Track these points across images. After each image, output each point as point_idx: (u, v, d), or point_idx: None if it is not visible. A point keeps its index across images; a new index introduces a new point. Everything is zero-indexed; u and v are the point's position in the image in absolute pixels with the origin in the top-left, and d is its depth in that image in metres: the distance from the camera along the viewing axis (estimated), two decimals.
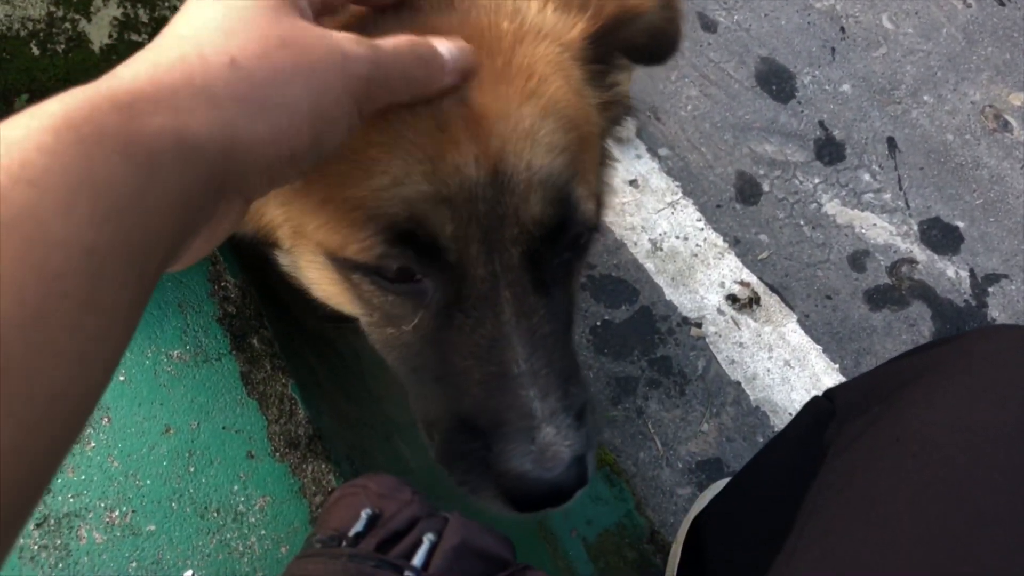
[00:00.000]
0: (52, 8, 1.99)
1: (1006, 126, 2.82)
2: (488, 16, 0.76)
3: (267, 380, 0.87)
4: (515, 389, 0.73)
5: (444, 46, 0.66)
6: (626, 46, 0.89)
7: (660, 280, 2.45)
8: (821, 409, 1.09)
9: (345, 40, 0.59)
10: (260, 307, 0.90)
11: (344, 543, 0.83)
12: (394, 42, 0.62)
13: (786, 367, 2.35)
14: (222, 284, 0.88)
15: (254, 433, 0.83)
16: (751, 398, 2.30)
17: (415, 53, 0.63)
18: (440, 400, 0.78)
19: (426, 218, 0.71)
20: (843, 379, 2.35)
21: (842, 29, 3.00)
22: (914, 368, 0.97)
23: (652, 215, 2.55)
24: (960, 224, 2.62)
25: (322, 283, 0.81)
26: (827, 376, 2.33)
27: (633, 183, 2.58)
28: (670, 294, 2.43)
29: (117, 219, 0.46)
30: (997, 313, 2.47)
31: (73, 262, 0.44)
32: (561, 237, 0.77)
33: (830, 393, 1.13)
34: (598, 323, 2.35)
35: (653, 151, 2.67)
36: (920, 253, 2.56)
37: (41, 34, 2.02)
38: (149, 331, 0.84)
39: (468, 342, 0.75)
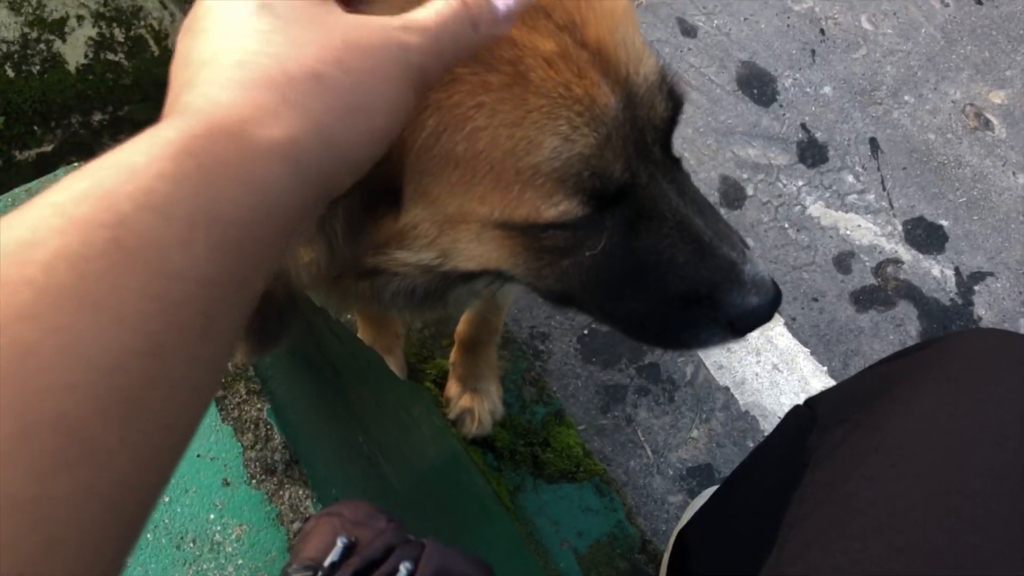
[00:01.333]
0: (26, 30, 1.99)
1: (987, 124, 2.83)
2: None
3: (241, 405, 0.86)
4: (715, 253, 0.85)
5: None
6: None
7: None
8: (802, 418, 1.08)
9: (396, 31, 0.59)
10: None
11: (319, 573, 0.82)
12: (438, 11, 0.61)
13: (774, 371, 2.35)
14: None
15: (229, 460, 0.82)
16: (740, 403, 2.29)
17: (466, 17, 0.62)
18: (644, 295, 0.88)
19: (604, 166, 0.78)
20: (831, 382, 2.35)
21: (822, 31, 3.01)
22: (893, 374, 0.97)
23: None
24: (944, 223, 2.63)
25: (489, 251, 0.85)
26: (815, 379, 2.33)
27: None
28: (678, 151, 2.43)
29: (234, 250, 0.46)
30: (983, 311, 2.47)
31: (190, 294, 0.44)
32: (675, 117, 0.87)
33: (811, 401, 1.13)
34: (585, 331, 2.35)
35: None
36: (905, 253, 2.56)
37: (16, 56, 2.01)
38: None
39: (659, 238, 0.84)
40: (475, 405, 1.91)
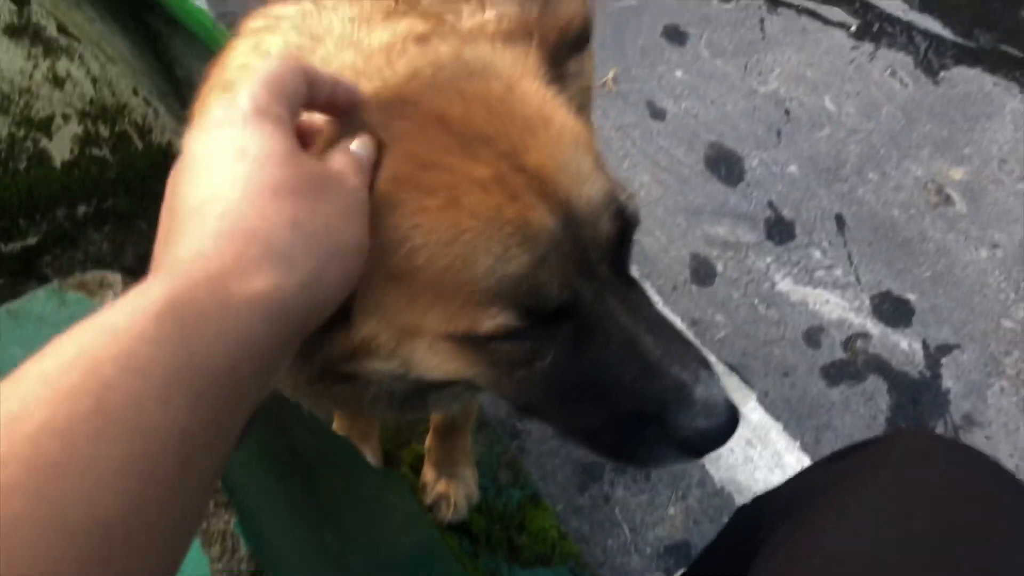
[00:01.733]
0: (13, 129, 2.05)
1: (948, 200, 2.92)
2: (478, 84, 0.86)
3: (209, 518, 0.89)
4: (662, 373, 0.85)
5: (357, 146, 0.75)
6: (567, 52, 1.01)
7: None
8: (748, 518, 1.12)
9: (344, 174, 0.67)
10: None
11: None
12: (340, 161, 0.71)
13: (748, 446, 2.38)
14: None
15: (197, 572, 0.85)
16: (716, 479, 2.32)
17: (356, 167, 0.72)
18: (596, 409, 0.90)
19: (539, 285, 0.81)
20: (804, 456, 2.38)
21: (786, 112, 3.12)
22: (829, 477, 1.02)
23: None
24: (910, 297, 2.70)
25: (444, 363, 0.88)
26: (788, 454, 2.37)
27: None
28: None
29: (211, 399, 0.51)
30: (951, 383, 2.52)
31: (169, 447, 0.48)
32: (627, 238, 0.90)
33: (759, 500, 1.17)
34: None
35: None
36: (873, 327, 2.62)
37: (2, 154, 2.07)
38: None
39: (605, 355, 0.86)
40: (451, 490, 1.94)
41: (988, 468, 0.91)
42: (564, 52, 1.00)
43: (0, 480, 0.42)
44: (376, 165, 0.77)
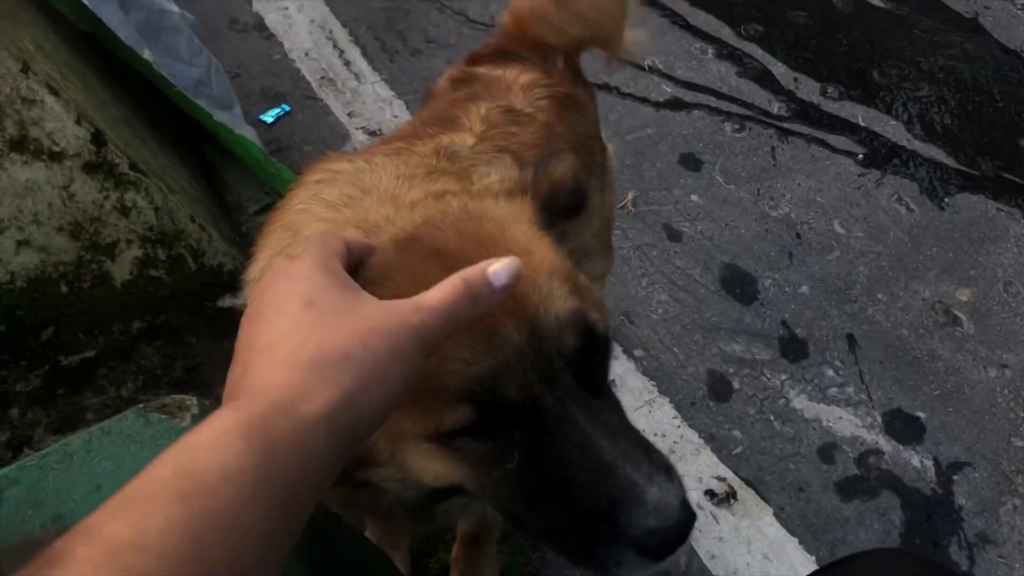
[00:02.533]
0: (82, 253, 2.25)
1: (955, 320, 3.04)
2: (474, 225, 1.02)
3: None
4: (615, 472, 0.90)
5: (492, 269, 0.83)
6: (559, 207, 1.17)
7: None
8: None
9: (408, 314, 0.78)
10: None
11: None
12: (444, 293, 0.80)
13: (765, 560, 2.44)
14: None
15: None
16: None
17: (466, 295, 0.81)
18: (558, 510, 0.95)
19: (496, 384, 0.91)
20: None
21: (797, 235, 3.29)
22: None
23: (630, 413, 2.70)
24: (921, 414, 2.79)
25: (429, 465, 0.98)
26: (804, 568, 2.42)
27: (611, 383, 2.77)
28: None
29: (284, 504, 0.64)
30: (964, 500, 2.59)
31: (254, 544, 0.61)
32: (593, 352, 0.99)
33: None
34: None
35: (628, 352, 2.87)
36: (885, 444, 2.71)
37: (70, 274, 2.27)
38: None
39: (563, 455, 0.93)
40: None
41: None
42: (556, 204, 1.17)
43: (135, 569, 0.56)
44: None
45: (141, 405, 1.09)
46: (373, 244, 0.98)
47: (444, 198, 1.12)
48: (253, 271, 1.27)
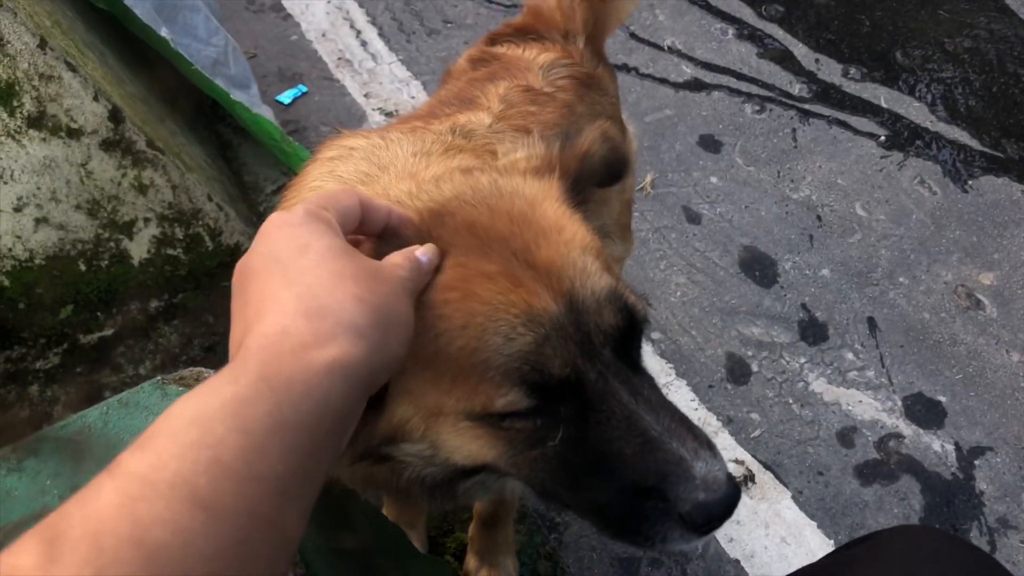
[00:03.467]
0: (100, 231, 2.25)
1: (978, 304, 3.00)
2: (505, 201, 1.02)
3: None
4: (662, 447, 0.92)
5: (422, 254, 0.89)
6: (592, 180, 1.17)
7: None
8: None
9: (394, 267, 0.81)
10: None
11: None
12: (405, 258, 0.85)
13: (783, 544, 2.43)
14: None
15: None
16: None
17: (414, 263, 0.86)
18: (602, 486, 0.96)
19: (543, 361, 0.91)
20: None
21: (818, 218, 3.25)
22: (835, 566, 1.10)
23: None
24: (942, 399, 2.76)
25: (466, 444, 0.98)
26: (822, 552, 2.39)
27: None
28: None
29: (299, 450, 0.64)
30: (985, 485, 2.56)
31: (268, 491, 0.61)
32: (632, 330, 0.99)
33: None
34: None
35: (646, 335, 2.85)
36: (906, 428, 2.68)
37: (88, 253, 2.26)
38: None
39: (608, 431, 0.93)
40: None
41: (986, 565, 0.99)
42: (590, 175, 1.17)
43: (149, 514, 0.56)
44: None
45: (159, 378, 1.09)
46: (402, 212, 0.97)
47: (472, 174, 1.10)
48: None
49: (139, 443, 0.62)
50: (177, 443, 0.60)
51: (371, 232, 0.92)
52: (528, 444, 0.97)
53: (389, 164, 1.21)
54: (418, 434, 0.99)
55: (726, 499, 0.91)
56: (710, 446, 0.95)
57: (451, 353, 0.91)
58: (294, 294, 0.73)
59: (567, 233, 1.00)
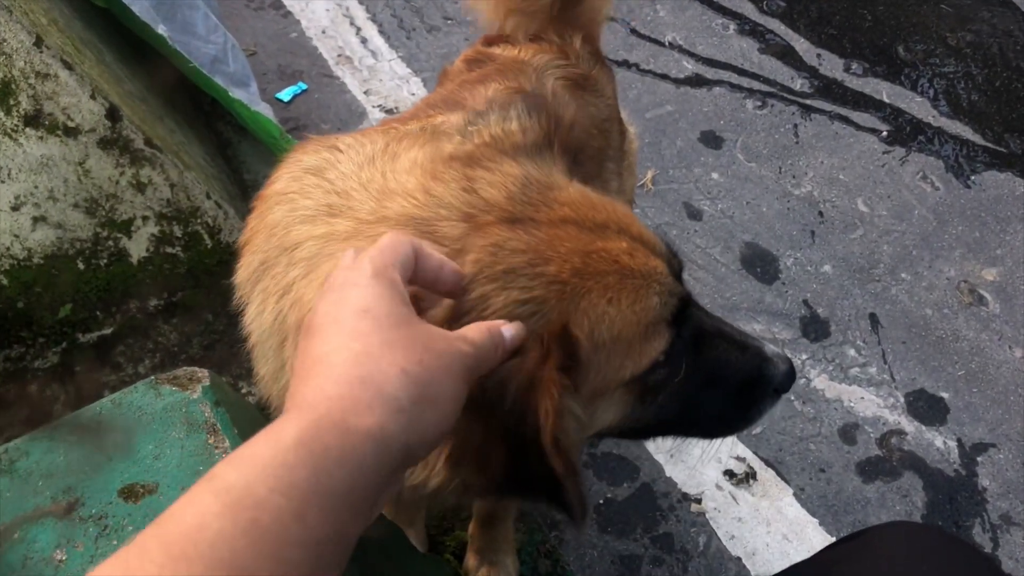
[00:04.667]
0: (98, 229, 2.25)
1: (981, 300, 2.99)
2: (558, 193, 1.08)
3: None
4: (749, 345, 1.18)
5: (507, 329, 0.89)
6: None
7: (659, 457, 2.56)
8: None
9: (457, 340, 0.80)
10: None
11: None
12: (477, 332, 0.84)
13: (784, 541, 2.42)
14: None
15: None
16: (752, 574, 2.36)
17: (492, 341, 0.86)
18: (717, 395, 1.18)
19: (671, 299, 1.06)
20: None
21: (820, 213, 3.24)
22: (826, 563, 1.10)
23: None
24: (945, 395, 2.74)
25: (614, 413, 1.09)
26: None
27: None
28: (669, 470, 2.54)
29: (334, 516, 0.64)
30: (988, 482, 2.55)
31: (305, 555, 0.62)
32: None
33: None
34: (601, 501, 2.45)
35: None
36: (908, 424, 2.67)
37: (87, 251, 2.26)
38: None
39: (714, 348, 1.15)
40: None
41: (977, 561, 0.98)
42: (573, 146, 1.28)
43: (188, 572, 0.57)
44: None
45: (152, 377, 1.08)
46: (458, 269, 0.94)
47: (493, 165, 1.09)
48: (241, 274, 1.22)
49: (182, 503, 0.63)
50: (220, 503, 0.61)
51: (422, 283, 0.89)
52: (659, 390, 1.09)
53: (344, 188, 1.14)
54: (574, 419, 1.03)
55: (792, 365, 1.20)
56: (758, 336, 1.22)
57: (625, 330, 1.01)
58: (343, 359, 0.73)
59: (616, 206, 1.11)
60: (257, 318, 1.17)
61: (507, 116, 1.18)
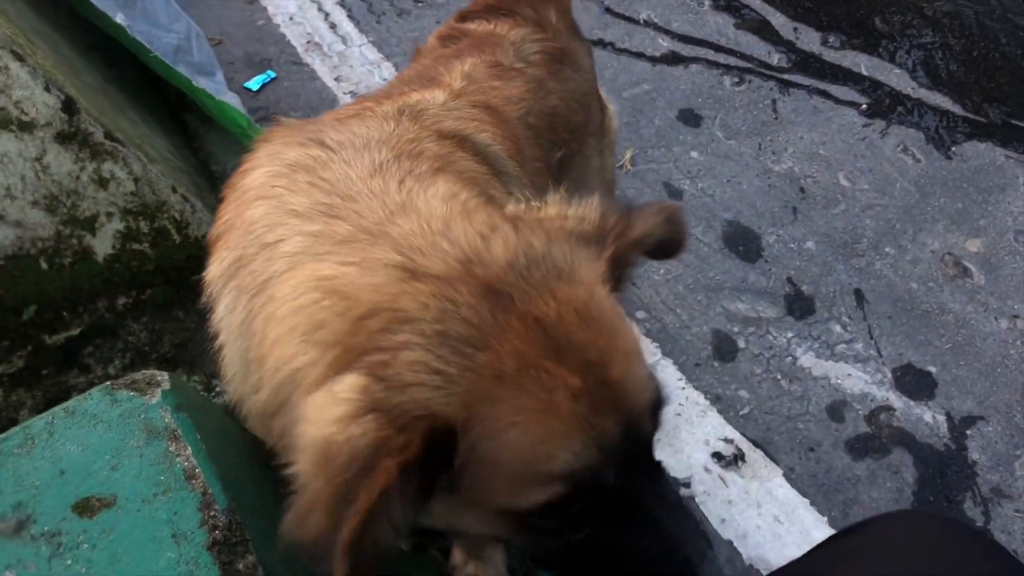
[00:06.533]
0: (60, 227, 2.16)
1: (965, 272, 2.96)
2: (566, 287, 0.96)
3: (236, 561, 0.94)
4: (676, 553, 0.98)
5: None
6: (635, 261, 1.12)
7: None
8: None
9: None
10: (245, 533, 0.98)
11: None
12: None
13: (776, 523, 2.38)
14: (211, 512, 0.97)
15: None
16: (744, 556, 2.32)
17: None
18: (611, 566, 1.02)
19: (598, 472, 0.93)
20: (833, 531, 2.38)
21: (801, 190, 3.20)
22: (830, 556, 1.06)
23: None
24: (932, 369, 2.72)
25: (482, 527, 1.00)
26: (817, 530, 2.36)
27: None
28: (657, 455, 2.49)
29: None
30: (978, 455, 2.52)
31: None
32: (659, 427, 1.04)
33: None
34: None
35: (631, 314, 2.79)
36: (896, 400, 2.64)
37: (49, 250, 2.18)
38: (147, 565, 0.91)
39: (635, 536, 0.99)
40: (480, 572, 1.96)
41: (983, 545, 0.95)
42: (631, 261, 1.11)
43: None
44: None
45: (108, 383, 1.01)
46: None
47: (520, 230, 1.01)
48: (213, 270, 1.16)
49: None
50: None
51: None
52: (549, 536, 1.00)
53: (348, 192, 1.09)
54: (439, 515, 0.99)
55: None
56: (709, 544, 1.01)
57: (517, 462, 0.90)
58: None
59: (626, 338, 0.98)
60: (227, 316, 1.11)
61: (574, 203, 1.10)
